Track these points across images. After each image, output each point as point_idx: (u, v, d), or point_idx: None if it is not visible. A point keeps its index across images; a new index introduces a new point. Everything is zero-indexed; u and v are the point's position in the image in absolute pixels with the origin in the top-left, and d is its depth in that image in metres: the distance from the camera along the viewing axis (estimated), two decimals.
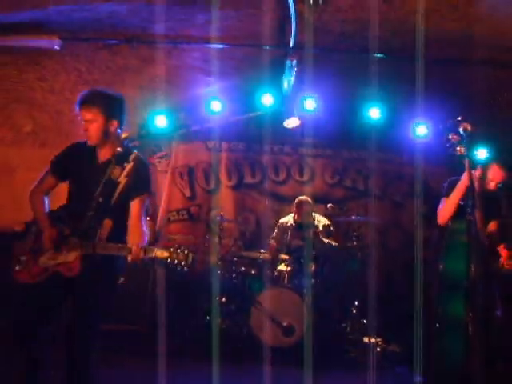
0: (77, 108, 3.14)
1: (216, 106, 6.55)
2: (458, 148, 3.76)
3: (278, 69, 5.83)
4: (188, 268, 3.05)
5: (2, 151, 6.77)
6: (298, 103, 6.47)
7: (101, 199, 3.05)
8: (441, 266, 4.19)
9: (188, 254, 3.02)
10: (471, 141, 3.63)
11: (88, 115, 3.09)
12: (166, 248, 3.05)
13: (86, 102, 3.11)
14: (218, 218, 6.16)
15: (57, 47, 5.20)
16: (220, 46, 5.65)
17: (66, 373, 3.05)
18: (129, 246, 3.02)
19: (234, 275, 5.94)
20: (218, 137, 7.21)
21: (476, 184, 3.86)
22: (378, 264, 6.04)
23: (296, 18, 4.87)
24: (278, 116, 6.57)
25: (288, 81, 6.02)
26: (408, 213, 7.34)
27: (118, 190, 3.08)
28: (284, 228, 6.39)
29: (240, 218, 7.16)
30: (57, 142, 6.60)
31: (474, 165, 3.95)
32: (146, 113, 6.55)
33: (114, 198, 3.08)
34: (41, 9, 4.66)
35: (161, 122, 6.57)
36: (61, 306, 3.14)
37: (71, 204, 3.17)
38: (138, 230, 3.12)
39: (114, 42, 5.42)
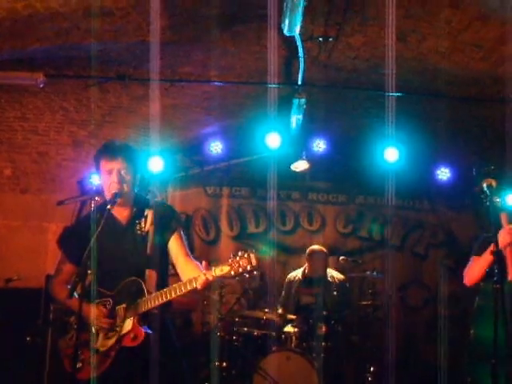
0: (103, 158, 3.12)
1: (217, 147, 6.66)
2: (496, 198, 3.44)
3: (284, 107, 5.78)
4: (257, 270, 3.09)
5: None
6: (307, 144, 6.61)
7: (134, 257, 3.12)
8: (471, 332, 3.84)
9: (249, 255, 2.93)
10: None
11: (120, 166, 3.10)
12: (224, 263, 2.99)
13: (117, 153, 3.11)
14: None
15: (41, 85, 5.00)
16: (221, 84, 5.63)
17: None
18: (193, 276, 3.01)
19: (235, 337, 5.75)
20: (218, 181, 7.30)
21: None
22: (397, 324, 5.92)
23: (304, 55, 4.84)
24: (285, 158, 6.62)
25: (296, 120, 5.98)
26: (430, 265, 7.23)
27: (150, 239, 3.13)
28: (291, 283, 6.19)
29: None
30: (41, 187, 6.64)
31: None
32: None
33: (149, 249, 3.12)
34: (23, 49, 4.54)
35: (156, 165, 6.56)
36: None
37: (98, 275, 3.04)
38: (192, 262, 3.20)
39: (104, 79, 5.32)
